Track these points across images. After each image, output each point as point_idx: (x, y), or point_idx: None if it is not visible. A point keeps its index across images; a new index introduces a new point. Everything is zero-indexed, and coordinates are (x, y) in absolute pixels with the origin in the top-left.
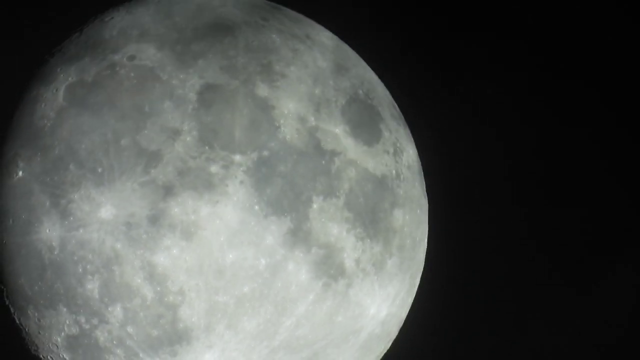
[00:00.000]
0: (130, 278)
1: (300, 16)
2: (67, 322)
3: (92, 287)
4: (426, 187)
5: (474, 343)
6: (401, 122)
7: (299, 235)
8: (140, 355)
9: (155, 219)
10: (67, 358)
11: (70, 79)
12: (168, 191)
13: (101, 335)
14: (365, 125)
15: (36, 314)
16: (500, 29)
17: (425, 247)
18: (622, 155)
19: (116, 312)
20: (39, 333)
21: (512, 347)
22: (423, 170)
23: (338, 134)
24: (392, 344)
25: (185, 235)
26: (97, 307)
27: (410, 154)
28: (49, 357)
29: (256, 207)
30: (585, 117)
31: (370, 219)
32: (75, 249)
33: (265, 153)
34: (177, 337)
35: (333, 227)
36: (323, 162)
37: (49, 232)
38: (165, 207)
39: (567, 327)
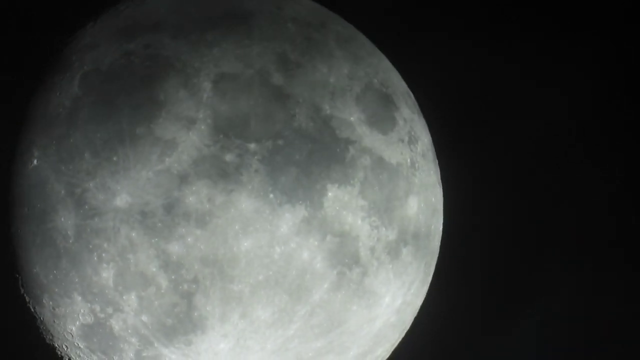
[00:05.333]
0: (145, 266)
1: (315, 5)
2: (82, 310)
3: (107, 275)
4: (441, 175)
5: (488, 332)
6: (416, 111)
7: (313, 224)
8: (155, 344)
9: (170, 208)
10: (82, 347)
11: (85, 67)
12: (183, 180)
13: (116, 324)
14: (380, 114)
15: (51, 303)
16: (514, 19)
17: (440, 235)
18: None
19: (131, 300)
20: (54, 322)
21: (526, 338)
22: (438, 159)
23: (353, 123)
24: (407, 332)
25: (200, 224)
26: (112, 295)
27: (425, 142)
28: (64, 346)
29: (271, 196)
30: (599, 110)
31: (385, 207)
32: (90, 238)
33: (280, 142)
34: (191, 325)
35: (348, 215)
36: (338, 150)
37: (64, 221)
38: (180, 195)
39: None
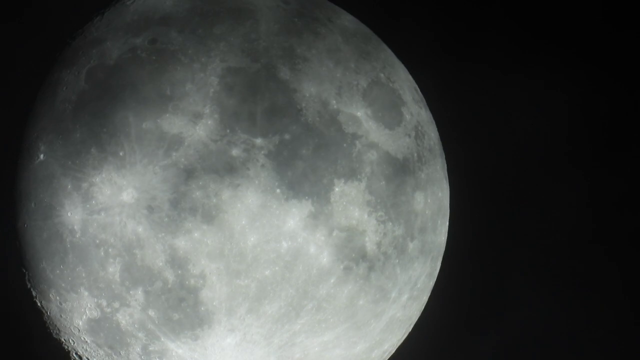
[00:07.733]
0: (152, 261)
1: None
2: (89, 305)
3: (114, 270)
4: (447, 170)
5: (495, 326)
6: (423, 106)
7: (320, 219)
8: (162, 338)
9: (176, 202)
10: (88, 341)
11: (91, 62)
12: (189, 174)
13: (122, 319)
14: (386, 109)
15: (58, 298)
16: (520, 16)
17: (447, 229)
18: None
19: (137, 295)
20: (61, 316)
21: (532, 333)
22: (444, 153)
23: (359, 117)
24: (413, 328)
25: (207, 219)
26: (118, 290)
27: (431, 137)
28: (70, 341)
29: (277, 190)
30: (603, 111)
31: (391, 202)
32: (97, 233)
33: (287, 136)
34: (198, 320)
35: (354, 210)
36: (344, 145)
37: (71, 216)
38: (186, 190)
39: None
